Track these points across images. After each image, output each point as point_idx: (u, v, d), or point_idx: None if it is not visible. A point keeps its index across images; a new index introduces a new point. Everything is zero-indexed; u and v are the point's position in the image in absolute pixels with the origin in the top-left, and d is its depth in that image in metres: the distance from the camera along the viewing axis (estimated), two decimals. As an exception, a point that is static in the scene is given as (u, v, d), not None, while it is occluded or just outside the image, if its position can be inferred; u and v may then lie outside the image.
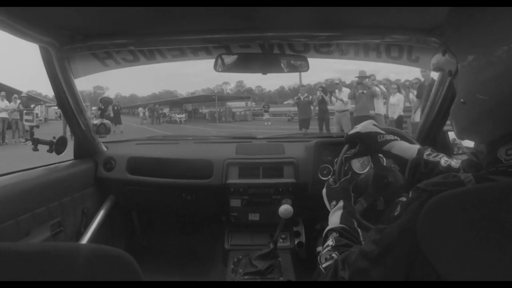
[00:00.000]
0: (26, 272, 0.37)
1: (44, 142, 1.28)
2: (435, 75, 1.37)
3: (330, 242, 0.70)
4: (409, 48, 1.29)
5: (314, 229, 1.62)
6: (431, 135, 1.44)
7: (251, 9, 0.92)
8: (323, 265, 0.63)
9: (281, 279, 1.23)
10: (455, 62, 0.49)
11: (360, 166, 1.43)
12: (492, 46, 0.43)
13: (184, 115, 24.74)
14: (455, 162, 0.79)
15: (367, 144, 0.94)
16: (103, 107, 1.52)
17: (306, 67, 1.29)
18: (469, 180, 0.44)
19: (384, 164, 1.40)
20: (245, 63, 1.28)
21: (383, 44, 1.27)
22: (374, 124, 0.95)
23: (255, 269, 1.24)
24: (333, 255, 0.64)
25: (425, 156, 0.85)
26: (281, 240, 1.49)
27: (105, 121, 1.47)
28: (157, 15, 0.98)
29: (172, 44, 1.24)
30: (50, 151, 1.28)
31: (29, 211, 1.05)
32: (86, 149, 1.50)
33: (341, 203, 0.87)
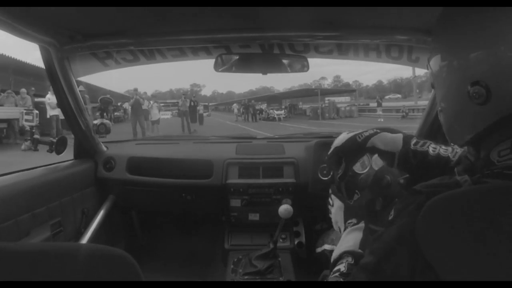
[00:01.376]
0: (26, 272, 0.37)
1: (44, 142, 1.28)
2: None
3: (342, 267, 0.65)
4: (409, 48, 1.29)
5: (314, 230, 1.62)
6: (432, 135, 1.44)
7: (251, 9, 0.92)
8: None
9: (281, 279, 1.23)
10: (432, 72, 0.53)
11: (360, 166, 1.43)
12: (453, 55, 0.45)
13: (283, 111, 22.29)
14: (443, 150, 0.76)
15: (349, 152, 0.88)
16: (103, 107, 1.52)
17: (306, 67, 1.29)
18: (465, 180, 0.44)
19: (384, 164, 1.40)
20: (245, 63, 1.28)
21: (383, 44, 1.27)
22: (350, 132, 0.90)
23: (255, 269, 1.24)
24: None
25: (412, 147, 0.80)
26: (281, 240, 1.49)
27: (105, 121, 1.47)
28: (157, 15, 0.98)
29: (172, 44, 1.24)
30: (50, 151, 1.28)
31: (29, 211, 1.05)
32: (86, 149, 1.50)
33: (362, 224, 0.78)
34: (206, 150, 1.65)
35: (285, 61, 1.30)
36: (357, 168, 1.43)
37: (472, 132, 0.46)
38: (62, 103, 1.29)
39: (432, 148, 0.78)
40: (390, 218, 0.49)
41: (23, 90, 8.46)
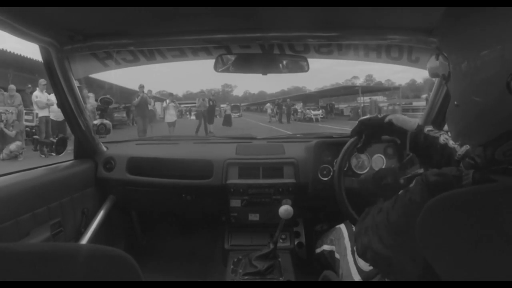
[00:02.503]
0: (26, 272, 0.37)
1: (44, 142, 1.28)
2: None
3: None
4: (409, 49, 1.29)
5: (314, 230, 1.62)
6: (437, 123, 1.44)
7: (251, 9, 0.92)
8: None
9: (281, 279, 1.23)
10: (448, 65, 0.50)
11: (360, 166, 1.44)
12: (485, 47, 0.43)
13: (320, 111, 20.60)
14: (452, 143, 0.77)
15: (370, 126, 0.98)
16: (103, 107, 1.52)
17: (306, 68, 1.29)
18: (467, 177, 0.44)
19: (384, 164, 1.40)
20: (245, 63, 1.28)
21: (383, 44, 1.27)
22: None
23: (255, 269, 1.24)
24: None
25: (425, 130, 0.84)
26: (281, 241, 1.49)
27: (105, 121, 1.46)
28: (157, 15, 0.98)
29: (172, 44, 1.24)
30: (50, 151, 1.28)
31: (29, 211, 1.05)
32: (86, 149, 1.50)
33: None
34: (206, 150, 1.65)
35: (285, 62, 1.30)
36: (357, 168, 1.43)
37: (503, 129, 0.44)
38: (62, 103, 1.29)
39: (444, 137, 0.80)
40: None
41: (12, 86, 7.05)
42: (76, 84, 1.29)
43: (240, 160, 1.51)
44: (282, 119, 18.58)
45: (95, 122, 1.45)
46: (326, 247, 1.25)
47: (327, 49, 1.32)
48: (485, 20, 0.43)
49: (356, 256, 1.04)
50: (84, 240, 1.31)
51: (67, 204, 1.26)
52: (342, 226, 1.22)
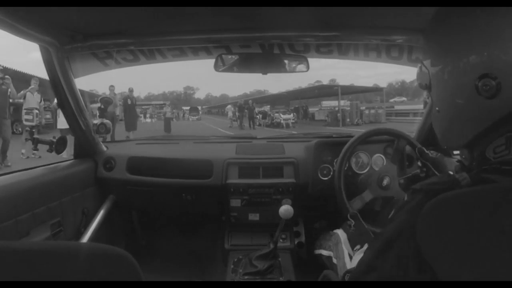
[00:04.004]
0: (26, 271, 0.37)
1: (44, 142, 1.28)
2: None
3: None
4: (409, 49, 1.29)
5: (313, 228, 1.63)
6: (431, 135, 1.45)
7: (251, 9, 0.92)
8: None
9: (281, 279, 1.23)
10: (428, 73, 0.51)
11: (360, 166, 1.44)
12: (458, 52, 0.45)
13: (292, 115, 17.76)
14: None
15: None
16: (102, 107, 1.52)
17: (306, 67, 1.29)
18: (464, 178, 0.44)
19: (384, 164, 1.40)
20: (245, 63, 1.28)
21: (383, 44, 1.27)
22: None
23: (255, 269, 1.24)
24: None
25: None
26: (281, 240, 1.49)
27: (105, 121, 1.47)
28: (157, 15, 0.98)
29: (172, 44, 1.24)
30: (50, 151, 1.28)
31: (29, 210, 1.05)
32: (86, 149, 1.50)
33: (365, 247, 0.87)
34: (206, 150, 1.65)
35: (285, 61, 1.30)
36: (357, 168, 1.43)
37: (477, 130, 0.45)
38: (62, 103, 1.29)
39: None
40: (390, 216, 0.49)
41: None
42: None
43: (240, 160, 1.51)
44: (244, 123, 16.41)
45: (95, 122, 1.45)
46: (324, 252, 1.25)
47: (327, 49, 1.32)
48: (458, 25, 0.45)
49: (354, 258, 1.04)
50: (84, 239, 1.31)
51: (67, 204, 1.26)
52: (340, 232, 1.22)
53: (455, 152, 1.44)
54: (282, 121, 16.68)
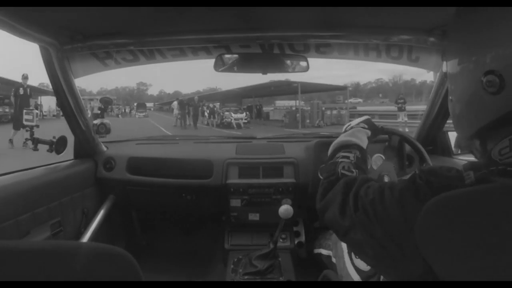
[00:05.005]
0: (26, 271, 0.37)
1: (44, 142, 1.28)
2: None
3: (351, 157, 0.70)
4: (409, 48, 1.29)
5: (312, 227, 1.62)
6: (431, 135, 1.45)
7: (251, 9, 0.92)
8: (341, 171, 0.65)
9: (281, 279, 1.23)
10: (446, 64, 0.55)
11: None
12: (479, 48, 0.46)
13: (244, 114, 15.94)
14: None
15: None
16: (103, 107, 1.52)
17: (306, 67, 1.29)
18: (470, 177, 0.44)
19: (384, 164, 1.40)
20: (245, 63, 1.28)
21: (383, 44, 1.27)
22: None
23: (255, 269, 1.24)
24: (353, 170, 0.66)
25: None
26: (281, 240, 1.49)
27: (105, 121, 1.47)
28: (157, 15, 0.98)
29: (172, 44, 1.24)
30: (50, 150, 1.28)
31: (29, 210, 1.05)
32: (86, 149, 1.50)
33: (368, 133, 0.85)
34: (206, 150, 1.65)
35: (285, 61, 1.30)
36: None
37: (482, 123, 0.47)
38: (62, 103, 1.29)
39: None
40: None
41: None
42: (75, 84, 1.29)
43: (240, 160, 1.51)
44: (186, 123, 14.77)
45: (95, 122, 1.45)
46: (323, 251, 1.25)
47: (327, 48, 1.32)
48: (471, 23, 0.48)
49: (353, 256, 1.04)
50: (84, 239, 1.31)
51: (67, 204, 1.26)
52: None
53: (455, 152, 1.44)
54: (232, 121, 14.82)
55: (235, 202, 1.48)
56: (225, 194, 1.47)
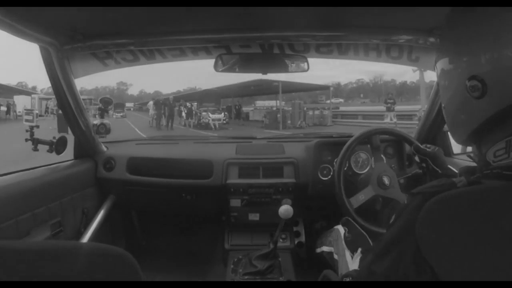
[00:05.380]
0: (26, 271, 0.37)
1: (44, 142, 1.28)
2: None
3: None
4: (409, 48, 1.29)
5: (313, 228, 1.63)
6: (431, 135, 1.45)
7: (251, 9, 0.92)
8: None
9: (281, 279, 1.23)
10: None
11: (360, 166, 1.44)
12: (464, 53, 0.47)
13: (222, 114, 15.11)
14: None
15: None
16: (103, 107, 1.52)
17: (306, 67, 1.29)
18: (461, 181, 0.45)
19: (384, 164, 1.40)
20: (245, 63, 1.28)
21: (383, 44, 1.27)
22: None
23: (255, 269, 1.24)
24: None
25: None
26: (281, 240, 1.49)
27: (105, 121, 1.47)
28: (157, 15, 0.98)
29: (172, 44, 1.24)
30: (50, 151, 1.28)
31: (29, 211, 1.05)
32: (86, 149, 1.50)
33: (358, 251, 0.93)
34: (206, 150, 1.65)
35: (285, 61, 1.30)
36: (357, 168, 1.43)
37: (472, 127, 0.47)
38: (62, 103, 1.29)
39: None
40: (391, 221, 0.50)
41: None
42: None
43: (240, 160, 1.51)
44: (161, 123, 14.03)
45: (95, 122, 1.45)
46: (325, 248, 1.25)
47: (327, 48, 1.32)
48: (456, 29, 0.48)
49: (354, 255, 1.05)
50: (84, 239, 1.31)
51: (67, 204, 1.26)
52: (340, 227, 1.22)
53: (455, 152, 1.44)
54: (210, 122, 14.04)
55: (235, 202, 1.48)
56: (225, 194, 1.47)
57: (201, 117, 14.66)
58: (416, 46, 1.24)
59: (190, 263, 1.70)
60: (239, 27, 1.12)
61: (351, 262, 1.05)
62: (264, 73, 1.32)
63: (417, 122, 11.45)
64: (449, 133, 1.45)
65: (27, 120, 1.31)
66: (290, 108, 16.00)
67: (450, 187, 0.44)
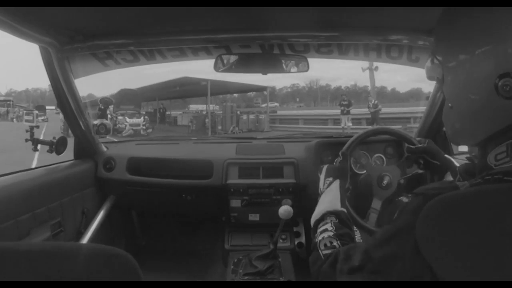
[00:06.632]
0: (26, 271, 0.37)
1: (44, 142, 1.28)
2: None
3: (329, 227, 0.66)
4: (409, 48, 1.29)
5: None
6: (431, 135, 1.45)
7: (251, 9, 0.92)
8: (323, 252, 0.61)
9: (281, 279, 1.23)
10: (441, 68, 0.50)
11: (360, 166, 1.43)
12: (476, 48, 0.43)
13: (142, 119, 13.32)
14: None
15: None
16: (103, 107, 1.52)
17: (306, 67, 1.29)
18: (464, 185, 0.45)
19: (384, 164, 1.40)
20: (245, 63, 1.28)
21: (383, 44, 1.27)
22: None
23: (255, 269, 1.23)
24: (335, 243, 0.62)
25: None
26: (281, 241, 1.49)
27: (105, 121, 1.47)
28: (157, 15, 0.98)
29: (172, 44, 1.24)
30: (50, 151, 1.28)
31: (29, 211, 1.05)
32: (86, 149, 1.50)
33: (337, 183, 0.82)
34: (206, 151, 1.65)
35: (285, 61, 1.30)
36: (357, 168, 1.43)
37: (492, 130, 0.44)
38: (62, 104, 1.29)
39: None
40: (394, 217, 0.50)
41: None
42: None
43: (240, 160, 1.51)
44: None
45: (95, 122, 1.45)
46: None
47: (327, 49, 1.32)
48: (477, 22, 0.44)
49: None
50: (84, 240, 1.31)
51: (67, 204, 1.26)
52: None
53: (455, 152, 1.44)
54: (127, 127, 12.37)
55: (235, 203, 1.48)
56: (225, 195, 1.47)
57: (117, 122, 12.36)
58: (416, 46, 1.24)
59: (190, 263, 1.70)
60: (239, 27, 1.12)
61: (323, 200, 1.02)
62: (264, 73, 1.32)
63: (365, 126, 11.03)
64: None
65: (27, 120, 1.31)
66: (221, 112, 14.30)
67: (451, 189, 0.44)
